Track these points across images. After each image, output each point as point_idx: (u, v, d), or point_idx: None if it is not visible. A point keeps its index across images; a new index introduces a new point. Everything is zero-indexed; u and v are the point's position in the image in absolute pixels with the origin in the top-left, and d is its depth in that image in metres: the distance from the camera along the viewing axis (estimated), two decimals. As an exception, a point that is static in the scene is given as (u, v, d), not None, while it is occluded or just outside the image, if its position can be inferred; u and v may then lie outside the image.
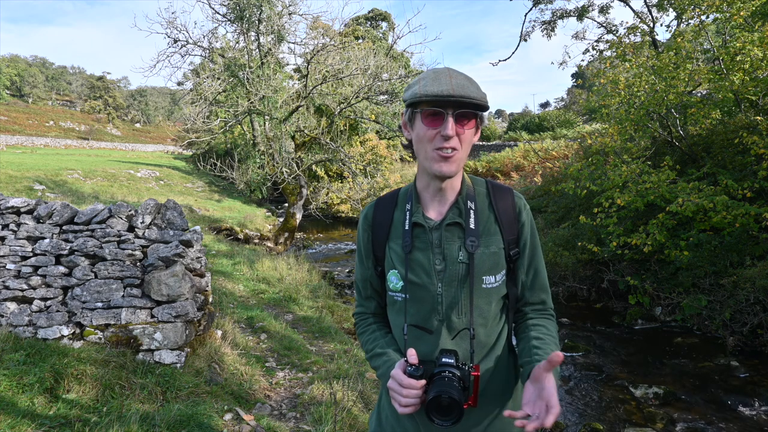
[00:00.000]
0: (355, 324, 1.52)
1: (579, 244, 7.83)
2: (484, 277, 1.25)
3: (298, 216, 12.04)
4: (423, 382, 1.13)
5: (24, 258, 3.69)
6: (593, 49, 15.91)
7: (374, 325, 1.44)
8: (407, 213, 1.32)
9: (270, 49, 11.52)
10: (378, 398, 1.49)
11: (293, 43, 12.56)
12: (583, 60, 23.91)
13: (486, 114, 1.26)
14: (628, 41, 10.16)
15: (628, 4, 15.30)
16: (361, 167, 12.90)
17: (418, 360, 1.16)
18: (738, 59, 6.50)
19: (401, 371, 1.16)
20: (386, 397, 1.37)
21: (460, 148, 1.21)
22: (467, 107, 1.18)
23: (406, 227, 1.30)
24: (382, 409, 1.41)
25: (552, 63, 49.24)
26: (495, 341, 1.30)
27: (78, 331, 3.65)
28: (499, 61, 17.57)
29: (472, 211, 1.28)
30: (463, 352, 1.24)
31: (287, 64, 14.31)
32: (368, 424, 1.51)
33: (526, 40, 17.79)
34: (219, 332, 4.51)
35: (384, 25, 39.00)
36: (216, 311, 4.88)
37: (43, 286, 3.67)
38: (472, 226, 1.27)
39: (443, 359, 1.16)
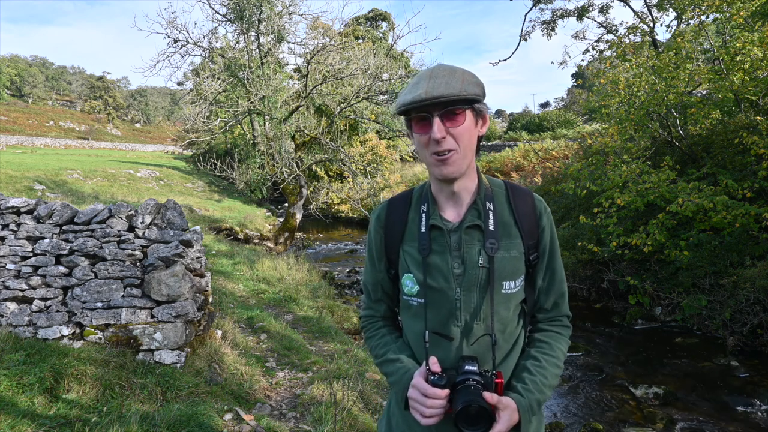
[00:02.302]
0: (362, 327, 1.47)
1: (579, 244, 7.83)
2: (504, 283, 1.22)
3: (298, 216, 12.04)
4: (447, 391, 1.10)
5: (24, 258, 3.69)
6: (593, 49, 15.92)
7: (384, 329, 1.40)
8: (423, 215, 1.27)
9: (270, 49, 11.52)
10: (387, 404, 1.45)
11: (293, 43, 12.59)
12: (583, 60, 23.93)
13: (482, 104, 1.20)
14: (628, 41, 10.16)
15: (628, 4, 15.30)
16: (361, 167, 12.90)
17: (440, 368, 1.13)
18: (738, 59, 6.50)
19: (423, 380, 1.12)
20: (396, 404, 1.33)
21: (458, 146, 1.16)
22: (450, 105, 1.13)
23: (423, 229, 1.26)
24: (392, 415, 1.37)
25: (552, 63, 49.34)
26: (512, 346, 1.27)
27: (78, 331, 3.65)
28: (499, 61, 17.58)
29: (491, 213, 1.24)
30: (483, 358, 1.20)
31: (287, 64, 14.33)
32: (377, 430, 1.49)
33: (526, 40, 17.81)
34: (219, 332, 4.51)
35: (384, 25, 39.00)
36: (216, 311, 4.88)
37: (43, 286, 3.67)
38: (491, 227, 1.22)
39: (466, 367, 1.13)
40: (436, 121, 1.14)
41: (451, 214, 1.27)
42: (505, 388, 1.22)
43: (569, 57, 22.36)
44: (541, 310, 1.33)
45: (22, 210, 3.73)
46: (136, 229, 3.79)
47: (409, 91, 1.17)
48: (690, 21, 8.88)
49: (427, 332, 1.22)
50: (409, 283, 1.27)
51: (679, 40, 7.82)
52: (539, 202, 1.31)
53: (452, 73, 1.16)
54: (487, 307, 1.21)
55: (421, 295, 1.25)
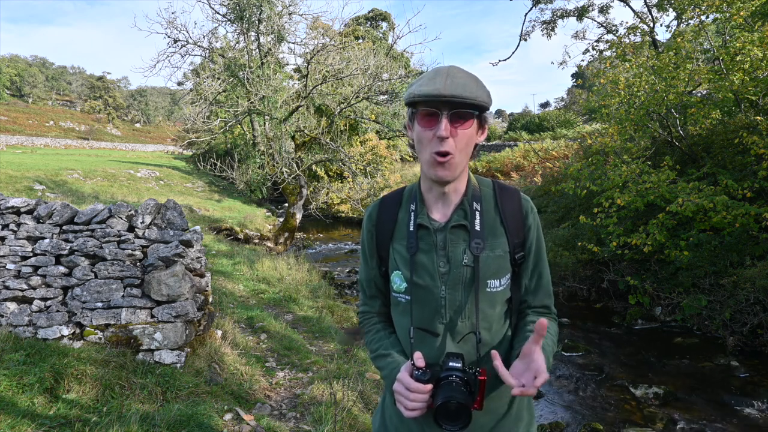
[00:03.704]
0: (359, 323, 1.51)
1: (579, 244, 7.83)
2: (488, 281, 1.24)
3: (298, 216, 12.04)
4: (430, 386, 1.12)
5: (24, 258, 3.69)
6: (593, 49, 15.92)
7: (379, 324, 1.43)
8: (411, 214, 1.30)
9: (270, 49, 11.52)
10: (381, 398, 1.48)
11: (293, 43, 12.58)
12: (583, 60, 23.92)
13: (488, 113, 1.23)
14: (628, 41, 10.16)
15: (628, 4, 15.30)
16: (361, 167, 12.90)
17: (425, 363, 1.15)
18: (738, 59, 6.50)
19: (408, 375, 1.15)
20: (390, 398, 1.36)
21: (457, 149, 1.18)
22: (462, 107, 1.16)
23: (411, 228, 1.28)
24: (386, 409, 1.40)
25: (552, 63, 49.28)
26: (499, 344, 1.28)
27: (78, 331, 3.65)
28: (499, 61, 17.57)
29: (477, 213, 1.26)
30: (468, 356, 1.23)
31: (287, 64, 14.33)
32: (371, 424, 1.51)
33: (526, 40, 17.80)
34: (219, 332, 4.51)
35: (384, 25, 39.00)
36: (216, 311, 4.88)
37: (43, 286, 3.67)
38: (477, 228, 1.25)
39: (450, 363, 1.15)
40: (444, 119, 1.15)
41: (438, 214, 1.29)
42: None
43: (569, 57, 22.35)
44: (530, 307, 1.35)
45: (22, 210, 3.73)
46: (136, 229, 3.79)
47: (425, 83, 1.17)
48: (690, 21, 8.89)
49: (411, 328, 1.26)
50: (397, 281, 1.30)
51: (679, 40, 7.82)
52: (526, 201, 1.33)
53: (468, 77, 1.19)
54: (472, 305, 1.23)
55: (408, 292, 1.28)
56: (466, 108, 1.16)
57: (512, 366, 1.11)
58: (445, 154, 1.17)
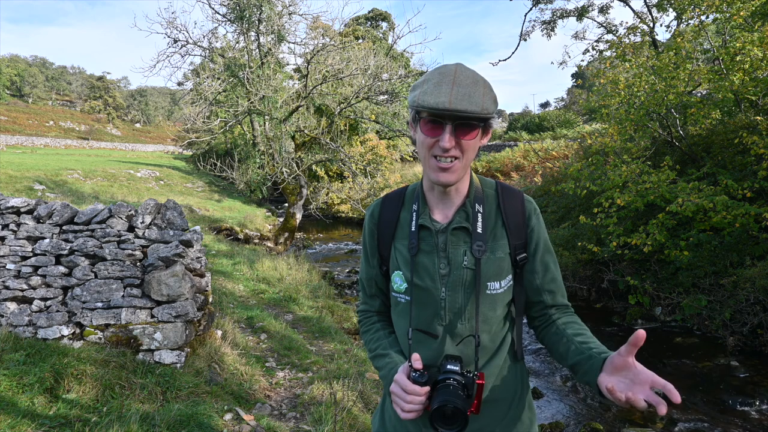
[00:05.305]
0: (358, 321, 1.50)
1: (579, 244, 7.83)
2: (488, 283, 1.23)
3: (298, 216, 12.04)
4: (427, 388, 1.12)
5: (24, 258, 3.69)
6: (593, 49, 15.91)
7: (378, 324, 1.42)
8: (414, 214, 1.29)
9: (270, 49, 11.52)
10: (381, 399, 1.47)
11: (293, 43, 12.59)
12: (583, 60, 23.93)
13: (493, 119, 1.20)
14: (628, 41, 10.16)
15: (628, 4, 15.30)
16: (361, 167, 12.90)
17: (422, 365, 1.15)
18: (738, 59, 6.50)
19: (405, 376, 1.14)
20: (390, 399, 1.35)
21: (462, 156, 1.17)
22: (468, 119, 1.13)
23: (413, 229, 1.28)
24: (386, 410, 1.39)
25: (552, 63, 49.21)
26: (498, 347, 1.27)
27: (78, 331, 3.65)
28: (499, 61, 17.56)
29: (479, 215, 1.25)
30: (467, 359, 1.22)
31: (287, 64, 14.33)
32: (371, 425, 1.51)
33: (526, 40, 17.80)
34: (219, 332, 4.51)
35: (384, 25, 39.01)
36: (216, 311, 4.88)
37: (43, 286, 3.67)
38: (479, 230, 1.24)
39: (448, 366, 1.15)
40: (449, 130, 1.14)
41: (440, 215, 1.28)
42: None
43: (569, 57, 22.39)
44: (549, 307, 1.33)
45: (22, 210, 3.73)
46: (136, 229, 3.79)
47: (430, 91, 1.13)
48: (690, 21, 8.88)
49: (410, 329, 1.25)
50: (398, 281, 1.29)
51: (679, 40, 7.81)
52: (529, 203, 1.32)
53: (475, 85, 1.14)
54: (472, 307, 1.22)
55: (408, 293, 1.27)
56: (472, 120, 1.14)
57: (605, 381, 1.03)
58: (447, 162, 1.16)
